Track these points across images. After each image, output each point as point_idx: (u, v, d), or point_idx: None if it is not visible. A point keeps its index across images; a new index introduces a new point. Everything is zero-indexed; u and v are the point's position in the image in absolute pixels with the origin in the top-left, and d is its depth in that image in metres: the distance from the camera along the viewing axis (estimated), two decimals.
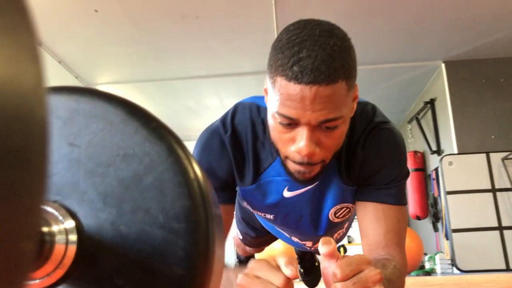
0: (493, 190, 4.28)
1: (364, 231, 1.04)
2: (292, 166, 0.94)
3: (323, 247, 0.70)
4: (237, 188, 1.15)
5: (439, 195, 4.97)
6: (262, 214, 1.20)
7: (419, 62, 4.80)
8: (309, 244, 1.40)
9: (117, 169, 0.47)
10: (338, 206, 1.14)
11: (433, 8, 3.82)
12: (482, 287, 1.75)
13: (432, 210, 5.31)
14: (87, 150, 0.48)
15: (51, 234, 0.45)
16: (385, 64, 4.79)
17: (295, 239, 1.39)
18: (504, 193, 4.25)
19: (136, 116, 0.49)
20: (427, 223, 5.60)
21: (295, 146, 0.89)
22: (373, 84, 5.29)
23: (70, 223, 0.46)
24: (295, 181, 0.99)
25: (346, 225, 1.36)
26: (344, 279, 0.69)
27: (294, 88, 0.82)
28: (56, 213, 0.46)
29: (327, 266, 0.71)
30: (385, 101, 5.78)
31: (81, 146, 0.48)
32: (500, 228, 4.20)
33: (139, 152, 0.47)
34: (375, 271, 0.70)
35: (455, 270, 4.31)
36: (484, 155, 4.38)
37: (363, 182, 1.07)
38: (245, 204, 1.20)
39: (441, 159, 4.50)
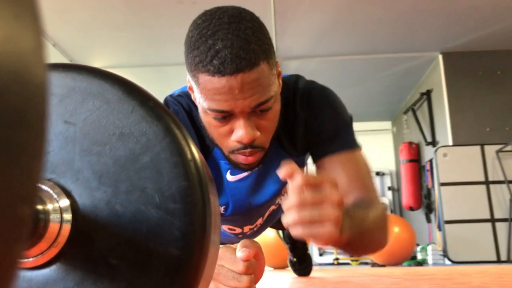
0: (487, 183, 4.30)
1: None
2: (236, 158, 0.94)
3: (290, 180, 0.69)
4: None
5: (433, 186, 4.99)
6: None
7: (416, 53, 4.79)
8: (260, 221, 1.36)
9: (113, 148, 0.46)
10: (279, 187, 1.14)
11: None
12: (473, 278, 1.76)
13: (425, 201, 5.34)
14: (83, 128, 0.47)
15: (46, 213, 0.44)
16: (382, 54, 4.78)
17: (247, 229, 1.36)
18: (497, 185, 4.28)
19: (133, 95, 0.48)
20: (420, 214, 5.63)
21: (235, 136, 0.89)
22: (369, 74, 5.28)
23: (65, 202, 0.46)
24: (240, 169, 1.00)
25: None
26: (304, 199, 0.67)
27: (220, 81, 0.81)
28: (51, 192, 0.46)
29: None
30: (381, 91, 5.78)
31: (76, 124, 0.48)
32: (492, 220, 4.23)
33: (136, 131, 0.47)
34: (338, 193, 0.68)
35: (447, 261, 4.34)
36: (478, 147, 4.40)
37: (313, 145, 1.07)
38: None
39: (435, 151, 4.51)
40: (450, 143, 4.58)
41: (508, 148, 4.19)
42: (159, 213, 0.45)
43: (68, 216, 0.45)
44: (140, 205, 0.45)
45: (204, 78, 0.84)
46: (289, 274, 2.79)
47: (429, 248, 4.75)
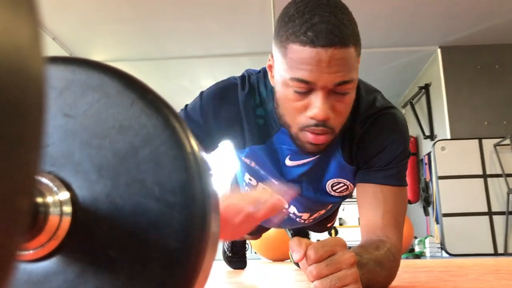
0: (484, 176, 4.32)
1: (362, 212, 1.05)
2: (304, 137, 0.96)
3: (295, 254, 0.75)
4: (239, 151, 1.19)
5: (431, 179, 5.01)
6: (266, 177, 1.22)
7: (415, 47, 4.79)
8: (305, 216, 1.40)
9: (113, 141, 0.46)
10: (334, 180, 1.16)
11: None
12: (470, 270, 1.77)
13: (423, 195, 5.35)
14: (83, 121, 0.47)
15: (45, 205, 0.44)
16: (381, 48, 4.77)
17: (292, 210, 1.40)
18: (494, 179, 4.29)
19: (133, 88, 0.48)
20: (418, 207, 5.65)
21: (311, 111, 0.91)
22: (368, 68, 5.27)
23: (64, 195, 0.46)
24: (304, 152, 1.01)
25: (329, 207, 1.39)
26: (318, 260, 0.72)
27: (310, 52, 0.85)
28: (51, 184, 0.46)
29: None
30: (380, 85, 5.74)
31: (76, 117, 0.48)
32: (490, 213, 4.25)
33: (136, 124, 0.47)
34: (349, 253, 0.73)
35: (444, 254, 4.36)
36: (476, 141, 4.41)
37: (363, 164, 1.08)
38: (252, 164, 1.21)
39: (433, 144, 4.52)
40: (448, 136, 4.59)
41: (506, 141, 4.20)
42: (159, 206, 0.45)
43: (68, 209, 0.46)
44: (140, 198, 0.45)
45: (295, 48, 0.87)
46: (289, 266, 2.80)
47: (427, 241, 4.77)
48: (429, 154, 5.03)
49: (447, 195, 4.34)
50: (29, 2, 0.19)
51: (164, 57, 4.86)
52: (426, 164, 5.24)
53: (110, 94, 0.48)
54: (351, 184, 1.16)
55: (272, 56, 1.00)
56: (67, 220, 0.45)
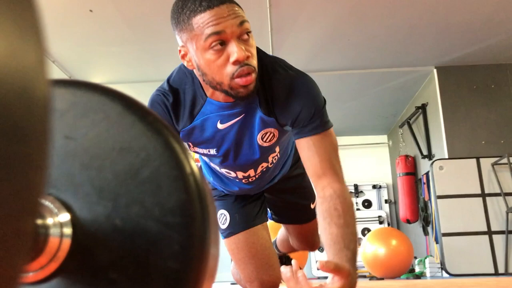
0: (483, 195, 4.31)
1: (305, 165, 1.29)
2: (236, 84, 1.14)
3: None
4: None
5: (430, 199, 5.00)
6: (207, 151, 1.40)
7: (411, 68, 4.83)
8: (252, 172, 1.55)
9: (113, 163, 0.47)
10: (262, 132, 1.36)
11: (425, 14, 3.84)
12: None
13: (422, 214, 5.34)
14: (83, 143, 0.48)
15: (46, 227, 0.44)
16: (377, 69, 4.81)
17: (240, 175, 1.55)
18: (493, 198, 4.28)
19: (133, 110, 0.49)
20: (417, 227, 5.62)
21: (232, 57, 1.10)
22: (365, 88, 5.31)
23: (65, 216, 0.46)
24: (241, 99, 1.20)
25: (277, 149, 1.52)
26: None
27: (210, 13, 1.08)
28: (51, 206, 0.46)
29: None
30: (377, 105, 5.81)
31: (77, 139, 0.48)
32: (489, 232, 4.23)
33: (136, 146, 0.47)
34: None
35: (445, 274, 4.33)
36: (474, 160, 4.41)
37: (292, 123, 1.29)
38: (190, 148, 1.40)
39: (431, 164, 4.52)
40: (446, 156, 4.60)
41: (504, 160, 4.21)
42: (159, 226, 0.45)
43: (68, 230, 0.46)
44: (140, 219, 0.45)
45: (198, 18, 1.09)
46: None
47: (427, 261, 4.74)
48: (427, 174, 5.03)
49: (446, 214, 4.32)
50: (36, 29, 0.20)
51: (163, 79, 4.88)
52: (424, 183, 5.23)
53: (110, 116, 0.49)
54: (275, 130, 1.37)
55: (182, 46, 1.19)
56: (67, 242, 0.45)
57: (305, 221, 1.89)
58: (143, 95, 5.56)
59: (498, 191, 4.23)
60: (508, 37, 4.23)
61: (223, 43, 1.10)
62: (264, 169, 1.57)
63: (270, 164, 1.56)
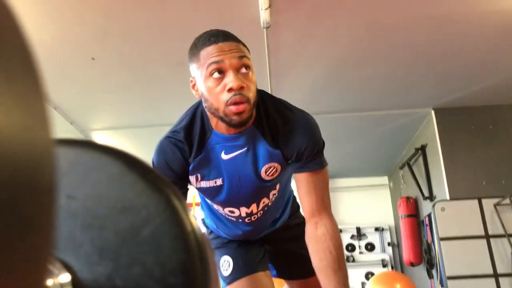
0: (487, 237, 4.27)
1: (301, 197, 1.45)
2: (230, 112, 1.27)
3: None
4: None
5: (433, 241, 4.94)
6: (213, 182, 1.46)
7: (409, 109, 4.88)
8: (254, 208, 1.59)
9: (114, 222, 0.47)
10: (267, 165, 1.45)
11: (421, 57, 3.92)
12: None
13: (426, 257, 5.26)
14: (85, 202, 0.48)
15: None
16: (375, 111, 4.86)
17: (243, 211, 1.59)
18: (498, 239, 4.23)
19: (134, 168, 0.49)
20: (421, 270, 5.53)
21: (228, 86, 1.25)
22: (364, 131, 5.35)
23: (65, 277, 0.46)
24: (234, 126, 1.32)
25: (278, 187, 1.59)
26: None
27: (214, 47, 1.26)
28: (51, 267, 0.46)
29: None
30: (377, 147, 5.83)
31: (78, 199, 0.49)
32: (496, 275, 4.15)
33: (137, 204, 0.48)
34: None
35: None
36: (476, 201, 4.39)
37: (295, 157, 1.42)
38: (198, 182, 1.48)
39: (433, 205, 4.50)
40: (447, 197, 4.57)
41: (506, 201, 4.19)
42: (160, 287, 0.45)
43: None
44: (141, 279, 0.45)
45: (204, 51, 1.28)
46: None
47: None
48: (429, 215, 4.99)
49: (451, 257, 4.26)
50: (43, 116, 0.21)
51: (164, 124, 4.91)
52: (427, 225, 5.18)
53: (112, 175, 0.49)
54: (278, 166, 1.46)
55: (192, 77, 1.36)
56: None
57: (310, 275, 1.85)
58: (144, 141, 5.59)
59: (502, 232, 4.19)
60: (502, 79, 4.29)
61: (222, 72, 1.26)
62: (266, 207, 1.62)
63: (270, 202, 1.62)
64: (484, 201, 4.37)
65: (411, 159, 5.50)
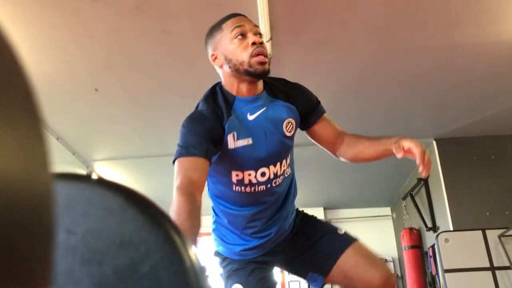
0: (492, 269, 4.20)
1: (325, 136, 1.82)
2: (255, 60, 1.54)
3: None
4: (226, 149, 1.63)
5: (437, 273, 4.86)
6: (246, 141, 1.60)
7: None
8: (279, 169, 1.69)
9: (113, 258, 0.47)
10: (287, 120, 1.68)
11: (422, 88, 3.96)
12: None
13: None
14: (84, 237, 0.48)
15: None
16: None
17: (271, 172, 1.68)
18: (503, 271, 4.17)
19: (134, 202, 0.49)
20: None
21: (250, 41, 1.55)
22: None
23: None
24: (259, 75, 1.58)
25: (288, 159, 1.75)
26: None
27: (236, 18, 1.61)
28: None
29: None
30: (379, 178, 5.81)
31: (78, 233, 0.48)
32: None
33: (136, 239, 0.47)
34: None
35: None
36: (480, 232, 4.34)
37: (308, 107, 1.76)
38: (234, 142, 1.61)
39: (437, 236, 4.45)
40: (451, 228, 4.53)
41: (510, 232, 4.14)
42: None
43: None
44: None
45: (226, 23, 1.61)
46: None
47: None
48: (433, 247, 4.94)
49: None
50: (44, 160, 0.21)
51: (165, 154, 4.93)
52: (430, 256, 5.12)
53: (112, 209, 0.49)
54: (294, 122, 1.70)
55: (213, 52, 1.63)
56: None
57: (348, 243, 1.73)
58: (145, 171, 5.58)
59: (507, 264, 4.13)
60: (503, 109, 4.32)
61: (244, 36, 1.56)
62: (282, 176, 1.72)
63: (286, 172, 1.74)
64: (488, 232, 4.32)
65: (413, 189, 5.48)
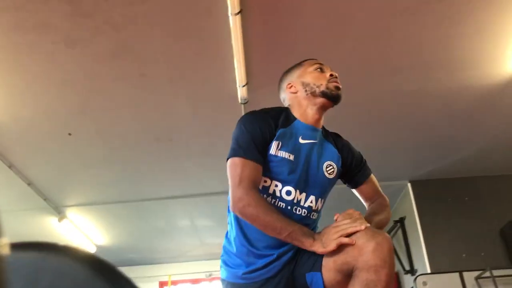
0: None
1: (368, 195, 1.97)
2: (332, 84, 1.75)
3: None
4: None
5: None
6: (287, 155, 1.68)
7: (386, 182, 4.91)
8: (313, 201, 1.75)
9: None
10: (329, 162, 1.76)
11: (395, 131, 4.03)
12: None
13: None
14: None
15: None
16: None
17: (293, 192, 1.69)
18: None
19: (103, 274, 0.47)
20: None
21: (328, 74, 1.78)
22: (342, 204, 5.28)
23: None
24: (334, 97, 1.76)
25: (320, 205, 1.82)
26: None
27: (315, 60, 1.86)
28: None
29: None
30: None
31: None
32: None
33: None
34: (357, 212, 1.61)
35: None
36: (457, 274, 4.34)
37: (356, 166, 1.89)
38: (277, 150, 1.69)
39: (415, 279, 4.42)
40: (428, 270, 4.52)
41: (487, 274, 4.15)
42: None
43: None
44: None
45: (308, 61, 1.86)
46: None
47: None
48: None
49: None
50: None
51: (139, 199, 4.85)
52: None
53: (79, 281, 0.47)
54: (336, 168, 1.78)
55: (289, 82, 1.84)
56: None
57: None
58: (119, 216, 5.46)
59: None
60: (474, 151, 4.42)
61: (322, 70, 1.79)
62: (307, 210, 1.74)
63: (311, 214, 1.77)
64: (465, 274, 4.32)
65: (390, 231, 5.48)
